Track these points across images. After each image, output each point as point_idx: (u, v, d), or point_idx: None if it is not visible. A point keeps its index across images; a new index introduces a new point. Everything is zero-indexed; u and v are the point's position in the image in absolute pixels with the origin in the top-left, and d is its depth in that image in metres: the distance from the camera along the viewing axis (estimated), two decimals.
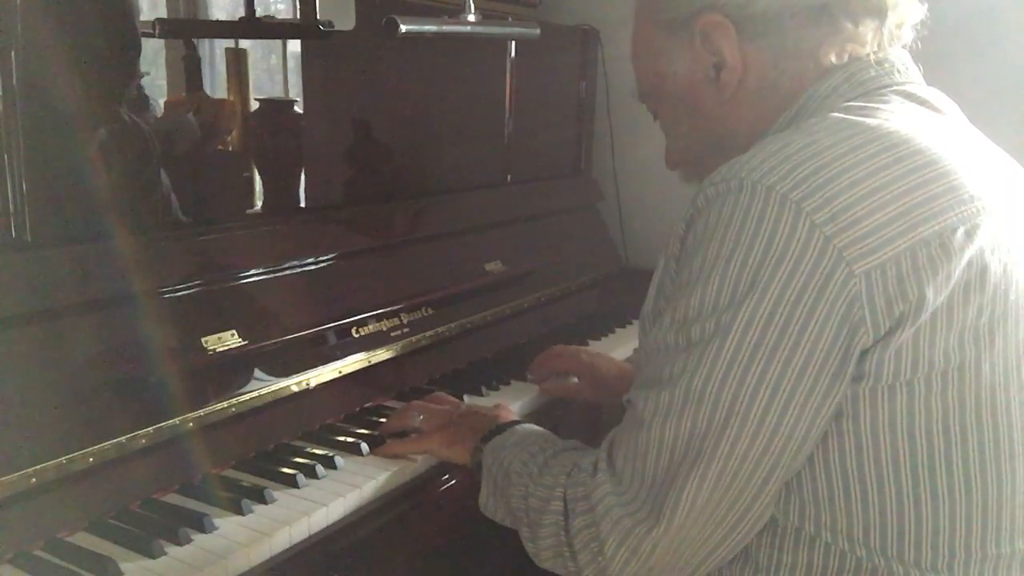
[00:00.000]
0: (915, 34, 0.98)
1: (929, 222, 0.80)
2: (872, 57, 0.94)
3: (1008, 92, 1.72)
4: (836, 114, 0.89)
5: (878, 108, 0.89)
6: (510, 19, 1.87)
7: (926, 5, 0.98)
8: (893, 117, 0.88)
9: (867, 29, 0.94)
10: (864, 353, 0.81)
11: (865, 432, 0.83)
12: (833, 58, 0.93)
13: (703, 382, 0.82)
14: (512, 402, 1.43)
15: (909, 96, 0.94)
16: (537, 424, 1.14)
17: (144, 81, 1.26)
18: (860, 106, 0.90)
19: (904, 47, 0.98)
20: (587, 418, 1.60)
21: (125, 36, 1.21)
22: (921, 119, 0.90)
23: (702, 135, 1.03)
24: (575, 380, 1.52)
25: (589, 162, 2.25)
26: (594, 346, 1.76)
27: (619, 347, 1.76)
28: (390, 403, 1.42)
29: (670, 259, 0.91)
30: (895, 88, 0.94)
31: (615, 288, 2.09)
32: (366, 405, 1.40)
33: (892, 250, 0.79)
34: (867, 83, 0.93)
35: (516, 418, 1.19)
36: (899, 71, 0.95)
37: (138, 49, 1.23)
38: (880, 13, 0.94)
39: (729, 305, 0.81)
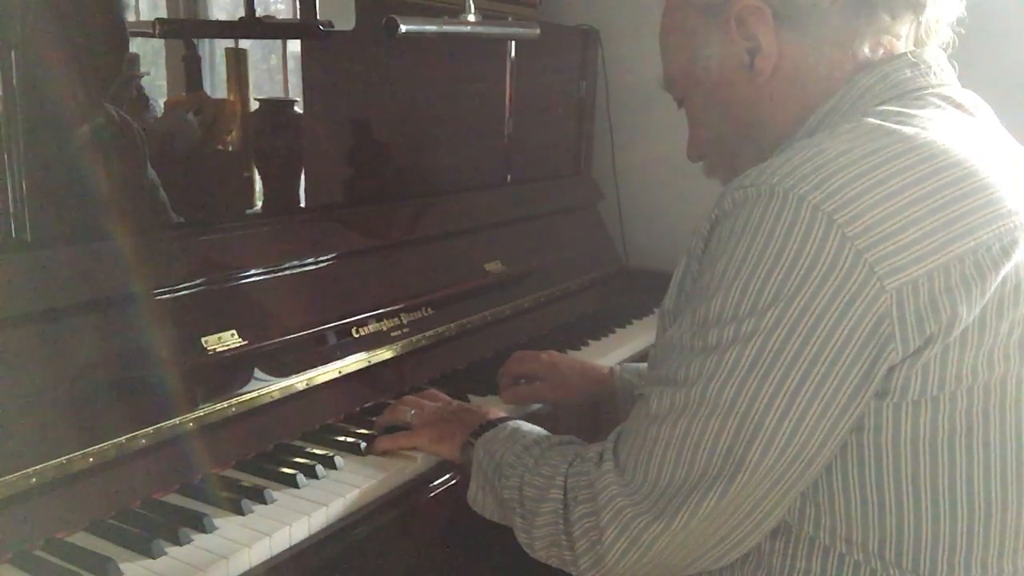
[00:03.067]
0: (951, 32, 0.96)
1: (964, 238, 0.78)
2: (909, 56, 0.92)
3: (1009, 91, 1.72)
4: (872, 120, 0.86)
5: (914, 115, 0.87)
6: (510, 19, 1.88)
7: (964, 2, 0.96)
8: (930, 125, 0.85)
9: (903, 22, 0.92)
10: (891, 369, 0.80)
11: (886, 446, 0.82)
12: (867, 51, 0.91)
13: (719, 387, 0.81)
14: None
15: (944, 99, 0.91)
16: (536, 423, 1.14)
17: (144, 81, 1.26)
18: (896, 111, 0.87)
19: (941, 45, 0.96)
20: (587, 418, 1.59)
21: (123, 36, 1.21)
22: (958, 126, 0.88)
23: (732, 125, 1.00)
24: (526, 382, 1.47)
25: (589, 162, 2.25)
26: (594, 346, 1.76)
27: (619, 347, 1.76)
28: (390, 403, 1.41)
29: (692, 258, 0.89)
30: (931, 91, 0.91)
31: (615, 288, 2.09)
32: (366, 405, 1.40)
33: (925, 266, 0.77)
34: (902, 84, 0.91)
35: (505, 415, 1.19)
36: (935, 72, 0.92)
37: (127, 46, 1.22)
38: (917, 7, 0.92)
39: (751, 313, 0.80)
